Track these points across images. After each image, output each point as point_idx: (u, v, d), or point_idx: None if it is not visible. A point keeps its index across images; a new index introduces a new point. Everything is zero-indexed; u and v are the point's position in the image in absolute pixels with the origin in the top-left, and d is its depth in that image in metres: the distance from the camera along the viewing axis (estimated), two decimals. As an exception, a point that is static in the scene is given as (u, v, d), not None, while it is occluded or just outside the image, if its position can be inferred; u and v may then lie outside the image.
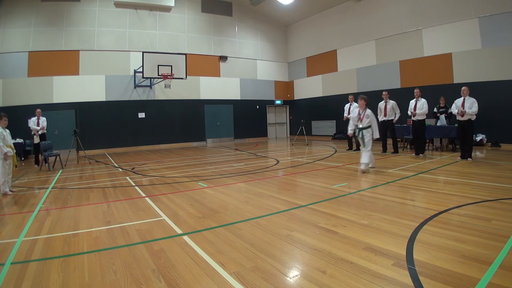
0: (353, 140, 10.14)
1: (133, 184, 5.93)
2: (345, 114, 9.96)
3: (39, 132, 8.84)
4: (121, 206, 4.31)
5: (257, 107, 17.43)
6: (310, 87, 17.07)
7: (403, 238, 2.76)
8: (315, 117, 16.72)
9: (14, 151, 5.57)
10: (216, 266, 2.37)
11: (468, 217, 3.29)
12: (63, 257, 2.64)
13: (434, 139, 9.76)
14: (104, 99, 13.18)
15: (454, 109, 7.26)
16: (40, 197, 5.08)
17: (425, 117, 8.14)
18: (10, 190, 5.32)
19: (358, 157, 8.66)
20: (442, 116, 9.33)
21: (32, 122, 8.81)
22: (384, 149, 9.15)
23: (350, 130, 6.58)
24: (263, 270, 2.29)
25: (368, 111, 6.34)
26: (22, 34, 11.84)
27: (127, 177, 6.71)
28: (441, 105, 9.45)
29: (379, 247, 2.61)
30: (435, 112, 9.44)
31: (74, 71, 12.62)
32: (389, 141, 9.31)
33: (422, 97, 8.13)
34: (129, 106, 13.63)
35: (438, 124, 9.38)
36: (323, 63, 16.08)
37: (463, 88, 7.19)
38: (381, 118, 9.01)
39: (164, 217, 3.73)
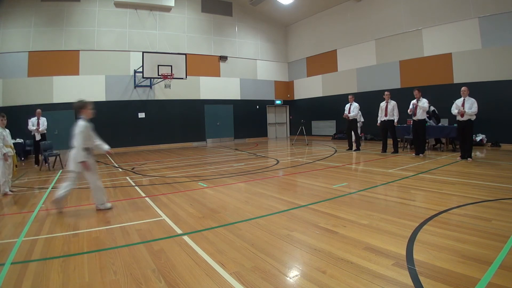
0: (353, 140, 10.15)
1: (133, 184, 5.93)
2: (346, 112, 9.95)
3: (40, 130, 8.82)
4: (121, 206, 4.31)
5: (257, 107, 17.43)
6: (310, 87, 17.07)
7: (403, 238, 2.76)
8: (315, 117, 16.72)
9: (14, 151, 5.56)
10: (216, 266, 2.37)
11: (468, 217, 3.29)
12: (63, 257, 2.64)
13: (429, 139, 9.74)
14: (104, 99, 13.17)
15: (454, 110, 7.26)
16: (40, 197, 5.08)
17: (425, 116, 8.15)
18: (10, 190, 5.32)
19: (358, 157, 8.71)
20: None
21: (31, 123, 8.79)
22: (384, 149, 9.16)
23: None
24: (263, 270, 2.29)
25: (80, 124, 4.01)
26: (22, 34, 11.84)
27: (127, 177, 6.72)
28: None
29: (379, 247, 2.61)
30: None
31: (74, 71, 12.62)
32: (389, 141, 9.32)
33: (422, 97, 8.13)
34: (129, 106, 13.63)
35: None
36: (323, 63, 16.08)
37: (462, 88, 7.18)
38: (382, 118, 9.03)
39: (164, 217, 3.72)
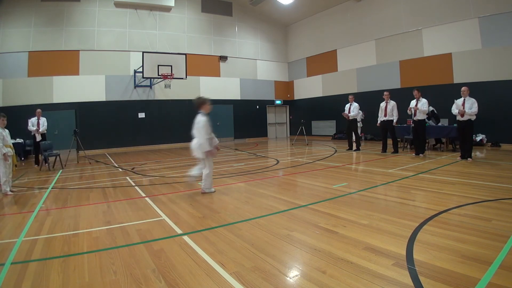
0: (353, 140, 10.15)
1: (133, 184, 5.93)
2: (346, 112, 9.94)
3: (40, 131, 8.82)
4: (121, 206, 4.31)
5: (257, 107, 17.43)
6: (310, 87, 17.07)
7: (403, 238, 2.76)
8: (315, 117, 16.72)
9: (13, 150, 5.56)
10: (216, 266, 2.37)
11: (468, 217, 3.29)
12: (63, 257, 2.64)
13: (429, 139, 9.73)
14: (104, 99, 13.18)
15: (454, 109, 7.26)
16: (40, 197, 5.08)
17: (425, 117, 8.15)
18: (10, 190, 5.32)
19: (358, 157, 8.72)
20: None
21: (31, 123, 8.78)
22: (384, 149, 9.16)
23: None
24: (263, 270, 2.29)
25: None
26: (22, 34, 11.84)
27: (127, 177, 6.71)
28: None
29: (379, 247, 2.60)
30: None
31: (74, 71, 12.62)
32: (389, 141, 9.32)
33: (422, 97, 8.14)
34: (129, 106, 13.62)
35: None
36: (323, 63, 16.08)
37: (463, 88, 7.18)
38: (381, 118, 9.04)
39: (164, 217, 3.72)
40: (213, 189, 4.95)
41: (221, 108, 16.08)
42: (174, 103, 14.63)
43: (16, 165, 5.88)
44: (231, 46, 16.34)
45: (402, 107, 8.96)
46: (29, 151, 11.15)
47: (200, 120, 4.70)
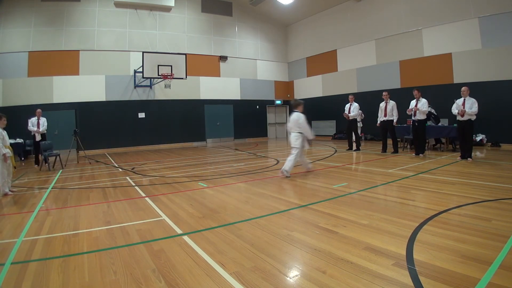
0: (353, 139, 10.15)
1: (133, 184, 5.93)
2: (346, 112, 9.95)
3: (40, 131, 8.82)
4: (121, 206, 4.31)
5: (257, 107, 17.44)
6: (310, 87, 17.07)
7: (403, 238, 2.76)
8: (315, 117, 16.69)
9: (12, 151, 5.55)
10: (216, 266, 2.37)
11: (468, 217, 3.29)
12: (63, 257, 2.64)
13: (429, 139, 9.73)
14: (104, 99, 13.18)
15: (454, 109, 7.26)
16: (40, 197, 5.08)
17: (425, 117, 8.16)
18: (10, 190, 5.32)
19: (358, 157, 8.72)
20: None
21: (31, 123, 8.78)
22: (384, 149, 9.16)
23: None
24: (263, 270, 2.29)
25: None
26: (22, 34, 11.85)
27: (127, 177, 6.71)
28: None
29: (379, 247, 2.60)
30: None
31: (74, 71, 12.63)
32: (389, 141, 9.31)
33: (422, 97, 8.14)
34: (129, 106, 13.63)
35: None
36: (323, 63, 16.08)
37: (463, 88, 7.18)
38: (381, 118, 9.03)
39: (164, 217, 3.72)
40: (310, 165, 6.27)
41: (221, 108, 16.10)
42: (174, 103, 14.64)
43: (15, 167, 5.87)
44: (231, 46, 16.34)
45: (402, 107, 8.96)
46: (29, 151, 11.14)
47: (301, 116, 6.02)
